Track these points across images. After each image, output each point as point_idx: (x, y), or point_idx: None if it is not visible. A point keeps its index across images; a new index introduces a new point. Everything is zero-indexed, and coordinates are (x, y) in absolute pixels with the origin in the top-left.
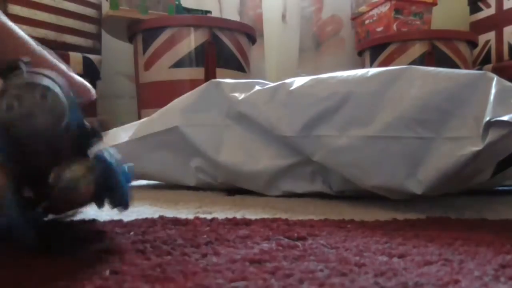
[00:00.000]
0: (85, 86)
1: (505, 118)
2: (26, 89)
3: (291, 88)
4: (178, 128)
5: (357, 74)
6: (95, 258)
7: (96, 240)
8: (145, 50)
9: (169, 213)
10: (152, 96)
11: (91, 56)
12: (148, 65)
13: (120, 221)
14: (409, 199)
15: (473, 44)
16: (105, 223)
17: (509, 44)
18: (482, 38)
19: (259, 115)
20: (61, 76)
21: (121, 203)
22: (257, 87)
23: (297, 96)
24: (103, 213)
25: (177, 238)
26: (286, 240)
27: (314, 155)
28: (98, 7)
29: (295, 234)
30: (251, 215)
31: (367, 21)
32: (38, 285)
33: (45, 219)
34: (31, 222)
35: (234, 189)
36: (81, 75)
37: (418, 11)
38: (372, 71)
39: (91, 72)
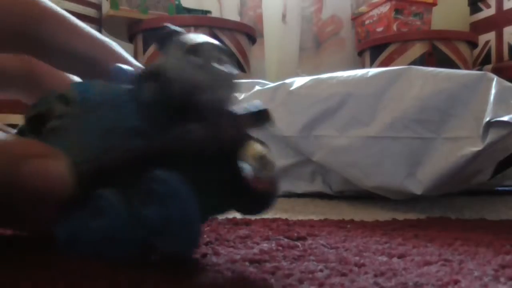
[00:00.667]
0: None
1: (505, 118)
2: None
3: (291, 88)
4: None
5: (357, 74)
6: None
7: None
8: (145, 50)
9: None
10: None
11: None
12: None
13: None
14: (409, 199)
15: (473, 45)
16: None
17: (509, 44)
18: (482, 39)
19: None
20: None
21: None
22: (257, 87)
23: (297, 96)
24: None
25: None
26: (286, 240)
27: (314, 155)
28: (98, 7)
29: (295, 234)
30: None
31: (367, 21)
32: None
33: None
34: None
35: None
36: None
37: (418, 12)
38: (372, 71)
39: None
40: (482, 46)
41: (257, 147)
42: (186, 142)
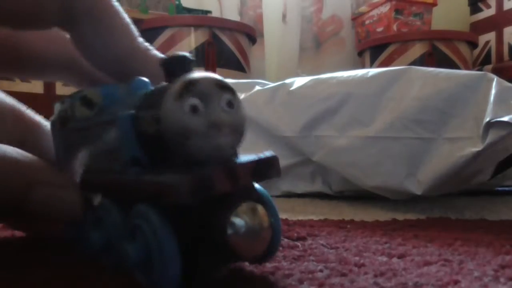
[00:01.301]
0: None
1: (505, 119)
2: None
3: (291, 89)
4: None
5: (357, 74)
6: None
7: None
8: None
9: None
10: None
11: None
12: None
13: None
14: (409, 200)
15: (473, 45)
16: None
17: (509, 44)
18: (482, 39)
19: (259, 115)
20: None
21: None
22: (257, 87)
23: (297, 97)
24: None
25: None
26: (286, 240)
27: (314, 155)
28: None
29: (295, 234)
30: None
31: (367, 21)
32: None
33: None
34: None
35: None
36: None
37: (418, 12)
38: (372, 71)
39: None
40: (482, 46)
41: (251, 210)
42: (170, 190)
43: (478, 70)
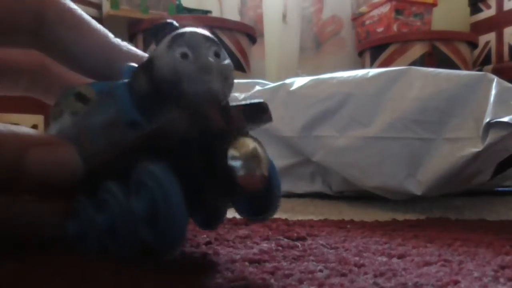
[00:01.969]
0: None
1: (505, 119)
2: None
3: (291, 89)
4: None
5: (357, 74)
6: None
7: None
8: (145, 49)
9: None
10: None
11: None
12: None
13: None
14: (409, 200)
15: (473, 45)
16: None
17: (509, 45)
18: (482, 39)
19: None
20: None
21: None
22: (257, 87)
23: (297, 97)
24: None
25: None
26: (285, 240)
27: (314, 156)
28: (98, 6)
29: (295, 234)
30: None
31: (367, 22)
32: None
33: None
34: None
35: None
36: None
37: (419, 12)
38: (372, 71)
39: None
40: (482, 47)
41: (248, 143)
42: (169, 130)
43: (478, 70)
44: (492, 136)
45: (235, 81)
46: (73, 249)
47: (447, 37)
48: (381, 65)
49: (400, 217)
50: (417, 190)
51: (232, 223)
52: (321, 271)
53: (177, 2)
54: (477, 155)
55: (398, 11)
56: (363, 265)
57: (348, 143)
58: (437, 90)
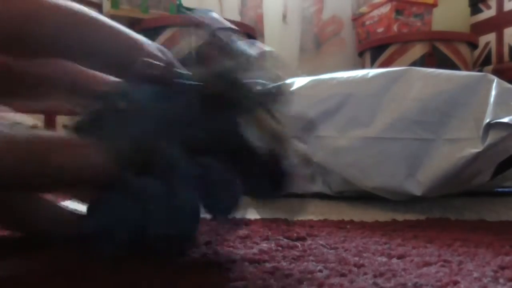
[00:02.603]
0: None
1: (505, 120)
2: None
3: (291, 89)
4: None
5: (357, 75)
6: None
7: None
8: None
9: None
10: None
11: None
12: None
13: None
14: (409, 200)
15: (473, 46)
16: None
17: (509, 45)
18: (482, 40)
19: None
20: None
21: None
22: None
23: (298, 97)
24: None
25: None
26: (285, 240)
27: (314, 156)
28: (98, 6)
29: (295, 234)
30: (250, 215)
31: (367, 22)
32: None
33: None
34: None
35: None
36: None
37: (419, 12)
38: (372, 72)
39: None
40: (482, 47)
41: (268, 120)
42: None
43: (478, 71)
44: (492, 137)
45: None
46: (73, 249)
47: (447, 37)
48: (381, 66)
49: (400, 217)
50: (417, 191)
51: (232, 223)
52: (320, 271)
53: (178, 2)
54: (477, 156)
55: (398, 12)
56: (362, 265)
57: (348, 143)
58: (437, 90)
